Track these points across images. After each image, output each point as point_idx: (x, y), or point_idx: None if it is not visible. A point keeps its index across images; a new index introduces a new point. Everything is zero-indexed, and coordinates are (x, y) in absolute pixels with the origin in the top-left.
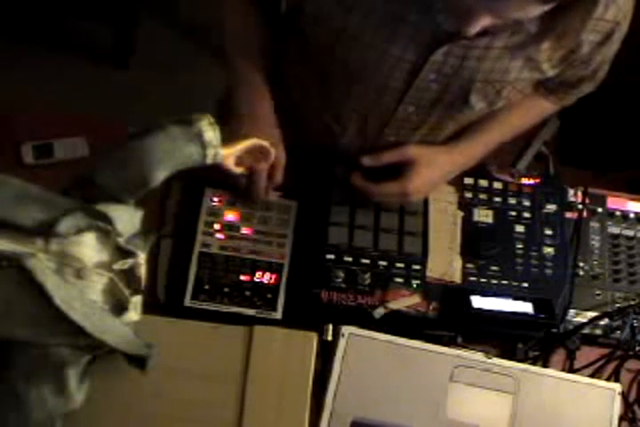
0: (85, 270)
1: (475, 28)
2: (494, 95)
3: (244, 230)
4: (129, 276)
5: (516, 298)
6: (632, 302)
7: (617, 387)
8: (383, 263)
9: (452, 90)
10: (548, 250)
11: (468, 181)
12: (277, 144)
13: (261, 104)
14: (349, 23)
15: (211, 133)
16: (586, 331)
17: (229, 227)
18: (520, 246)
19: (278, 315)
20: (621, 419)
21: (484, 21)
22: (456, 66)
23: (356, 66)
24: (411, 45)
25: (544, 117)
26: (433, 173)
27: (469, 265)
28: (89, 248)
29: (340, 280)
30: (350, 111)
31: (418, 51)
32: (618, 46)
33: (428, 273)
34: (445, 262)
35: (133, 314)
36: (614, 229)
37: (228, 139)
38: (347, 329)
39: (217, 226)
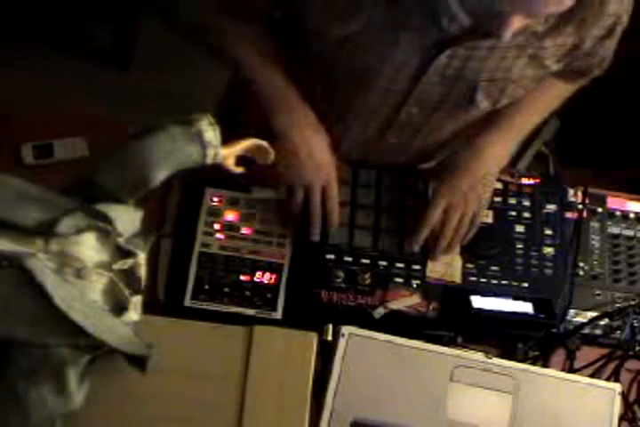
0: (85, 270)
1: (511, 31)
2: (498, 93)
3: (244, 230)
4: (129, 276)
5: (515, 298)
6: (632, 302)
7: (617, 387)
8: (383, 263)
9: (456, 91)
10: (548, 250)
11: None
12: (332, 183)
13: (317, 142)
14: (350, 32)
15: (211, 133)
16: (586, 331)
17: (229, 227)
18: (520, 246)
19: (278, 315)
20: (621, 419)
21: (518, 23)
22: (459, 67)
23: (359, 71)
24: (414, 49)
25: (564, 97)
26: (461, 184)
27: (469, 265)
28: (89, 248)
29: (340, 280)
30: (353, 114)
31: (422, 54)
32: (619, 38)
33: (428, 273)
34: (445, 262)
35: (133, 314)
36: (614, 229)
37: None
38: (347, 329)
39: (217, 226)
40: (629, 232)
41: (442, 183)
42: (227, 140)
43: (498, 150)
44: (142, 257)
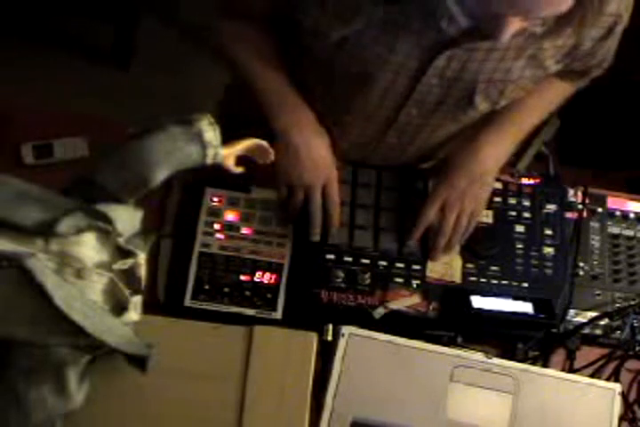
0: (85, 270)
1: (508, 34)
2: (497, 95)
3: (244, 230)
4: (129, 276)
5: (515, 298)
6: (632, 302)
7: (617, 387)
8: (383, 263)
9: (455, 92)
10: (548, 250)
11: None
12: (332, 184)
13: (317, 142)
14: (349, 34)
15: (211, 133)
16: (586, 331)
17: (229, 227)
18: (520, 246)
19: (278, 315)
20: (621, 419)
21: (516, 25)
22: (458, 69)
23: (358, 72)
24: (413, 51)
25: (564, 98)
26: (459, 184)
27: (469, 265)
28: (89, 248)
29: (339, 280)
30: (352, 114)
31: (420, 56)
32: (619, 38)
33: (428, 273)
34: (445, 262)
35: (133, 314)
36: (614, 229)
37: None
38: (347, 329)
39: (217, 226)
40: (629, 232)
41: (439, 182)
42: (227, 140)
43: (496, 150)
44: (142, 257)
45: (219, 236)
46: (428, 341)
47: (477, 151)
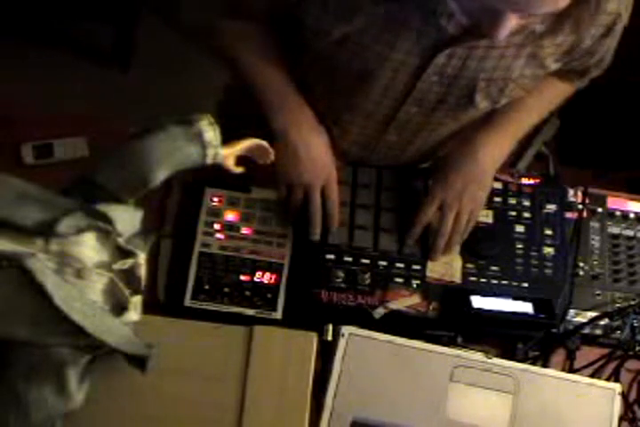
0: (85, 270)
1: (506, 32)
2: (497, 93)
3: (244, 230)
4: (129, 276)
5: (515, 298)
6: (632, 302)
7: (617, 387)
8: (383, 263)
9: (455, 91)
10: (548, 250)
11: None
12: (331, 183)
13: (316, 142)
14: (350, 32)
15: (211, 133)
16: (586, 331)
17: (229, 227)
18: (520, 246)
19: (278, 315)
20: (621, 419)
21: (514, 22)
22: (459, 67)
23: (358, 70)
24: (413, 49)
25: (562, 98)
26: (456, 183)
27: (469, 265)
28: (89, 248)
29: (340, 280)
30: (352, 113)
31: (421, 54)
32: (620, 36)
33: (428, 273)
34: (445, 262)
35: (133, 314)
36: (614, 229)
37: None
38: (347, 329)
39: (217, 226)
40: (629, 232)
41: (436, 182)
42: (227, 140)
43: (493, 150)
44: (142, 257)
45: (219, 236)
46: (428, 341)
47: (475, 151)
